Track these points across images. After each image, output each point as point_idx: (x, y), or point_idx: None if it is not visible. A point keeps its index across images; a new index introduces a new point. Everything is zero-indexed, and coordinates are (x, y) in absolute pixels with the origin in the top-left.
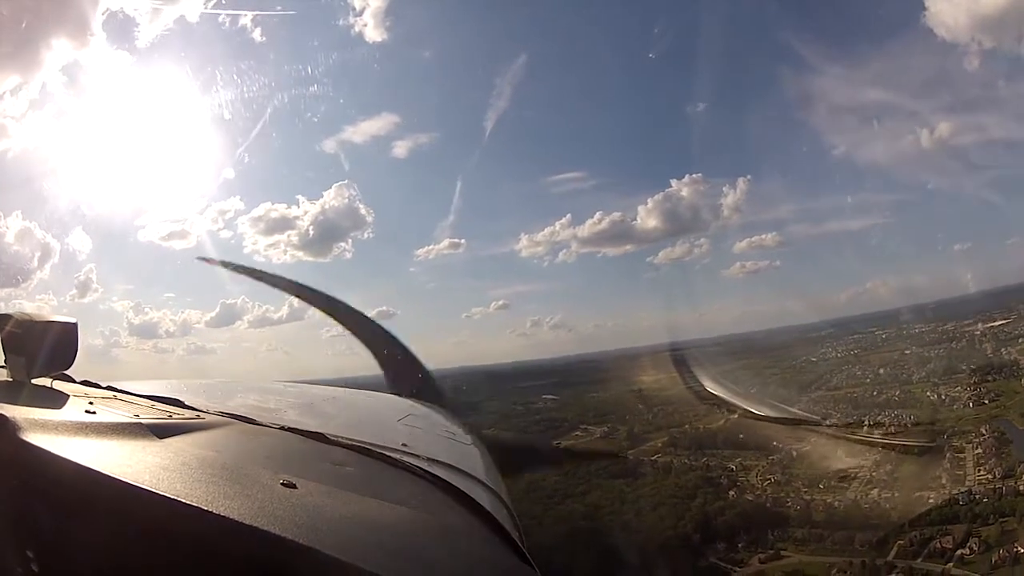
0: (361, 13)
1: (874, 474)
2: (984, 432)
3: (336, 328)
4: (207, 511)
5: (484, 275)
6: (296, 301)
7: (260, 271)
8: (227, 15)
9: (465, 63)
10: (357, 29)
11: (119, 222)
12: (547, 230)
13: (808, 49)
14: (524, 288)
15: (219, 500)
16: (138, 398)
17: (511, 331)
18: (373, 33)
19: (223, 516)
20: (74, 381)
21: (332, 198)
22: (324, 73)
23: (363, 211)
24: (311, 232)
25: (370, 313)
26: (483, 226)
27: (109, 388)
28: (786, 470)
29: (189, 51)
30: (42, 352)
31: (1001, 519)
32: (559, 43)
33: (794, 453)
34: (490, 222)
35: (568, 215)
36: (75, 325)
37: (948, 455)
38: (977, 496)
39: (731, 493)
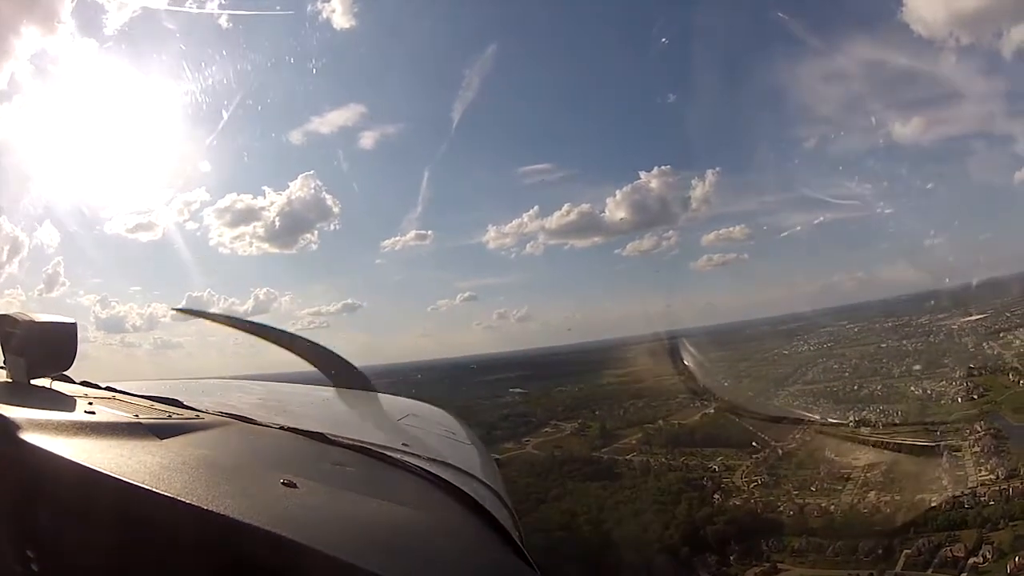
0: None
1: (868, 475)
2: (979, 429)
3: (301, 322)
4: (207, 511)
5: (451, 267)
6: (262, 294)
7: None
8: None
9: (433, 53)
10: (325, 15)
11: (86, 214)
12: (515, 222)
13: (780, 42)
14: (491, 280)
15: (219, 500)
16: (137, 398)
17: (478, 323)
18: (341, 20)
19: (224, 516)
20: (73, 382)
21: (298, 189)
22: (291, 61)
23: (329, 202)
24: (277, 223)
25: (336, 305)
26: (450, 218)
27: (108, 388)
28: (772, 470)
29: (156, 39)
30: (41, 353)
31: (1011, 523)
32: (528, 34)
33: (780, 452)
34: (457, 214)
35: (536, 207)
36: (74, 325)
37: (945, 454)
38: (983, 498)
39: (716, 497)
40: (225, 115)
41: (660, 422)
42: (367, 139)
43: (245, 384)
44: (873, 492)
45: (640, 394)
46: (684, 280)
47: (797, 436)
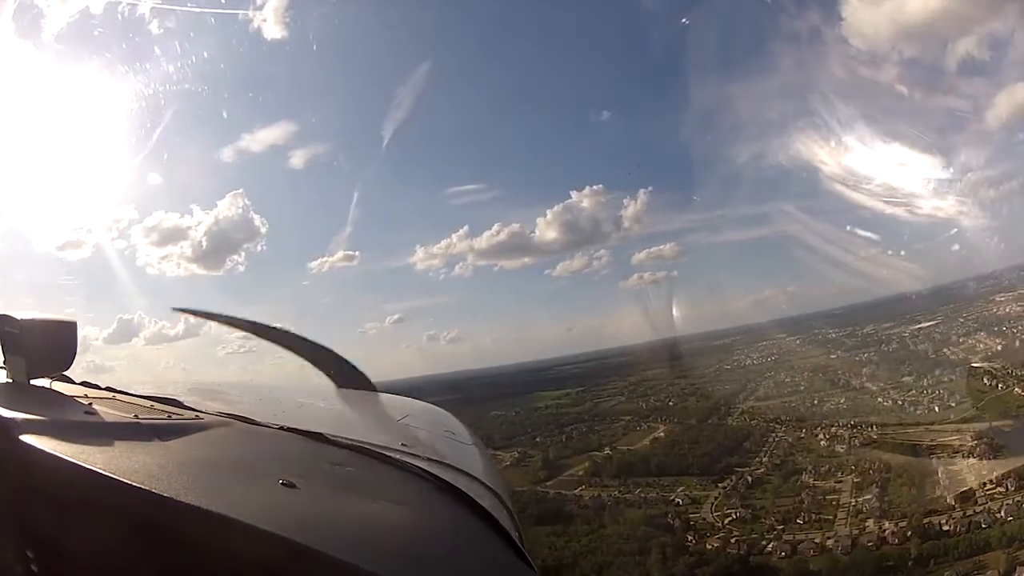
0: (262, 7)
1: (859, 500)
2: (969, 438)
3: (231, 345)
4: (207, 511)
5: (379, 289)
6: (192, 317)
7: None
8: (128, 6)
9: (365, 70)
10: (256, 25)
11: (17, 229)
12: (443, 242)
13: (715, 57)
14: (420, 302)
15: (219, 500)
16: (137, 399)
17: (407, 346)
18: (272, 30)
19: (223, 516)
20: (73, 382)
21: (226, 208)
22: (223, 74)
23: (257, 222)
24: (204, 244)
25: None
26: (378, 238)
27: (108, 389)
28: (746, 501)
29: (87, 50)
30: (41, 353)
31: None
32: (459, 53)
33: (748, 479)
34: (386, 234)
35: (465, 227)
36: (74, 325)
37: (940, 468)
38: (1000, 514)
39: (689, 538)
40: (155, 128)
41: (608, 449)
42: (297, 158)
43: (244, 385)
44: (871, 520)
45: (581, 417)
46: (616, 298)
47: (765, 460)
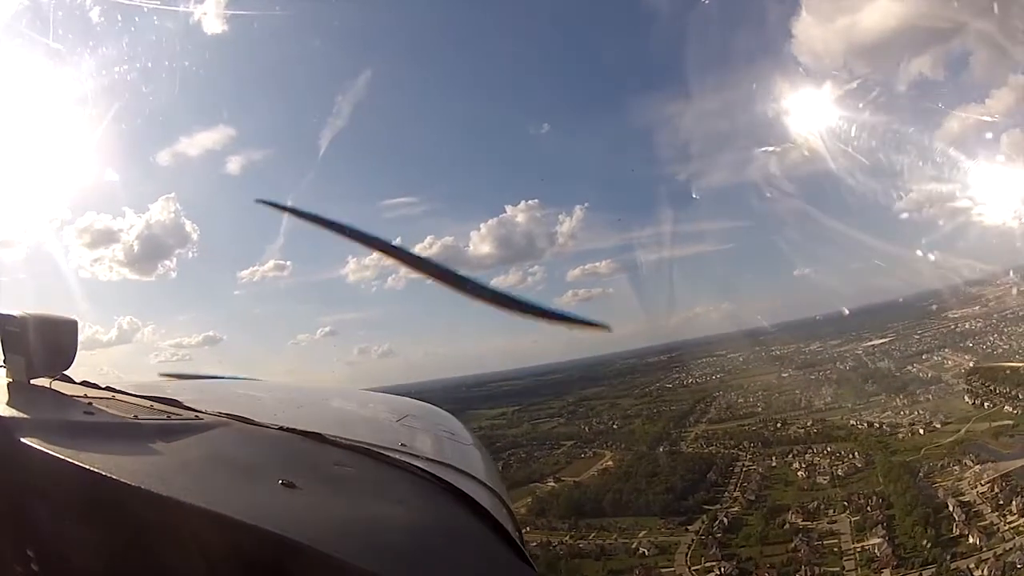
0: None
1: (866, 544)
2: (970, 463)
3: (164, 353)
4: (207, 510)
5: (311, 300)
6: (125, 323)
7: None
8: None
9: (303, 78)
10: (196, 17)
11: None
12: (375, 254)
13: (657, 73)
14: (352, 314)
15: (219, 500)
16: (137, 399)
17: (338, 359)
18: (213, 24)
19: (223, 515)
20: (73, 382)
21: (158, 212)
22: (161, 70)
23: (188, 228)
24: (136, 248)
25: (197, 338)
26: (310, 248)
27: (108, 389)
28: (728, 550)
29: (18, 40)
30: (41, 352)
31: None
32: (398, 64)
33: (724, 519)
34: (317, 244)
35: (398, 239)
36: (75, 324)
37: (950, 500)
38: None
39: None
40: (89, 126)
41: (552, 481)
42: (233, 163)
43: (245, 384)
44: (887, 571)
45: (519, 441)
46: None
47: (737, 495)
